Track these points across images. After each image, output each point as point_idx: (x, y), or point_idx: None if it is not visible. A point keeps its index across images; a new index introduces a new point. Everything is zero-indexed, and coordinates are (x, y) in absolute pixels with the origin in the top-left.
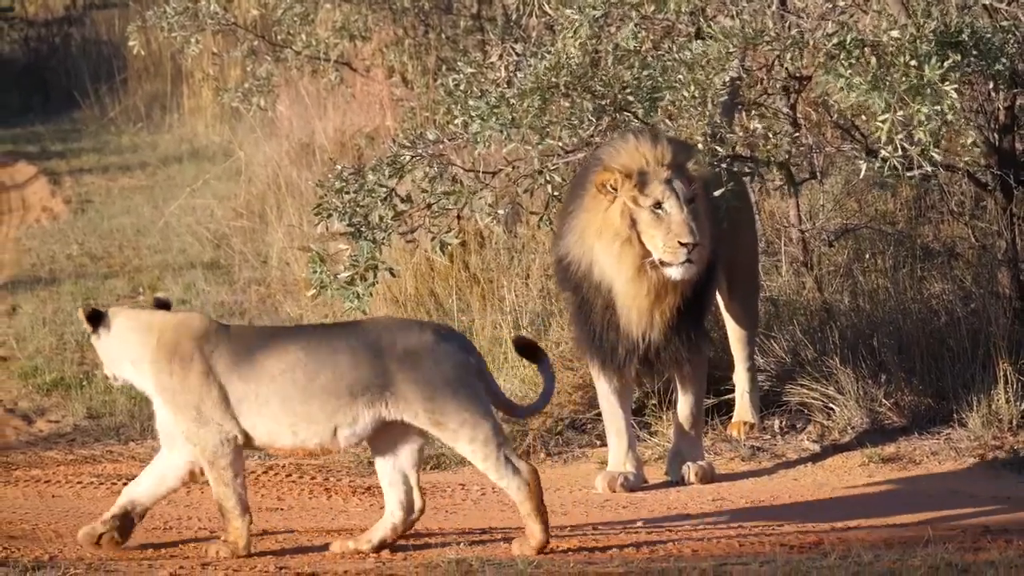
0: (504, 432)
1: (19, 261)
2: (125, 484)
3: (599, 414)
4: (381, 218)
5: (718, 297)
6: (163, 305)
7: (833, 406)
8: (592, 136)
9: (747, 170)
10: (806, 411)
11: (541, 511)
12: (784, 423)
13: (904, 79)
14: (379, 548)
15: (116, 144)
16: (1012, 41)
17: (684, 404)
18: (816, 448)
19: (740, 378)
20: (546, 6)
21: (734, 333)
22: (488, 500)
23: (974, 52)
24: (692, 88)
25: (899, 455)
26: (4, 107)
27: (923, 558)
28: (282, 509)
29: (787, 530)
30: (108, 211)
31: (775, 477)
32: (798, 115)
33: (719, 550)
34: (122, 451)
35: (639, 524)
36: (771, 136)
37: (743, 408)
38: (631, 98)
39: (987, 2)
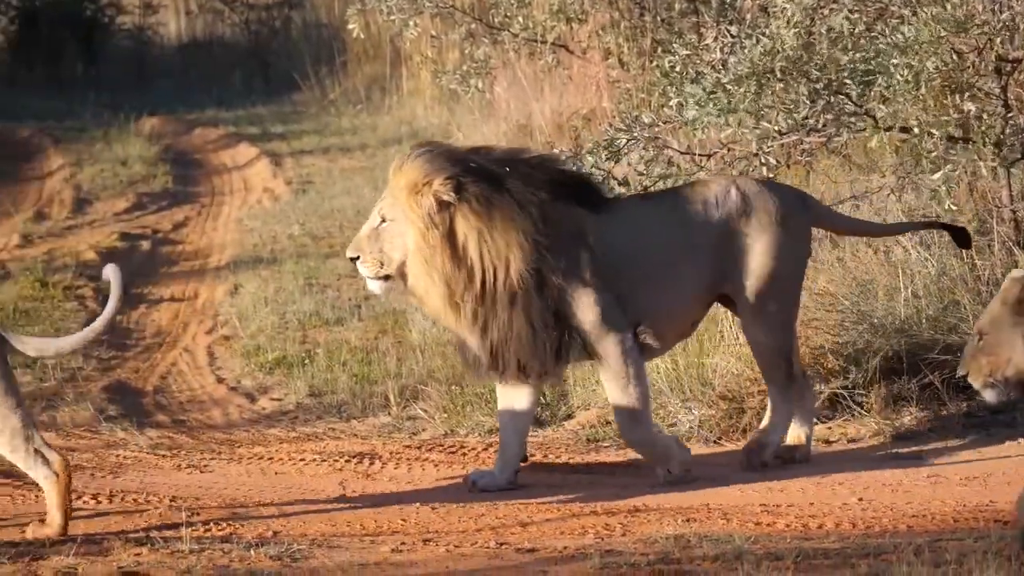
0: (33, 422)
1: (241, 241)
2: (347, 461)
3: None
4: None
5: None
6: None
7: None
8: (807, 119)
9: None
10: None
11: (65, 503)
12: None
13: None
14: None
15: (336, 126)
16: None
17: None
18: None
19: (769, 403)
20: None
21: (756, 358)
22: (702, 479)
23: None
24: (905, 72)
25: None
26: (227, 90)
27: None
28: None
29: (1002, 506)
30: (328, 192)
31: (991, 454)
32: (1010, 96)
33: (933, 526)
34: (344, 429)
35: (854, 501)
36: (985, 117)
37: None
38: (847, 81)
39: None
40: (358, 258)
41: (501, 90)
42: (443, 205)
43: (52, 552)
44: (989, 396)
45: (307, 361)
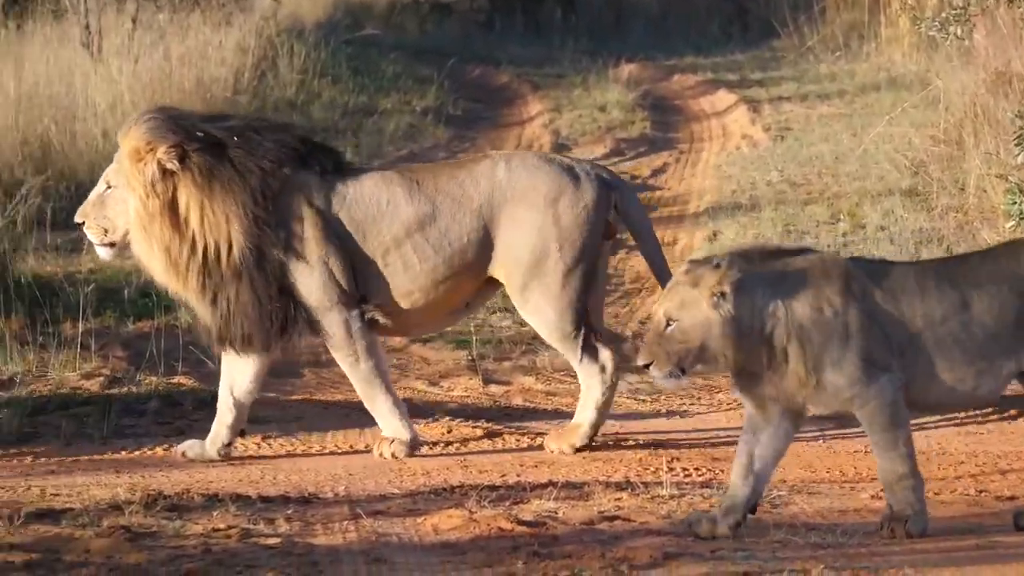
0: None
1: (720, 188)
2: None
3: None
4: None
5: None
6: None
7: None
8: None
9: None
10: None
11: None
12: None
13: None
14: None
15: (814, 73)
16: None
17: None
18: None
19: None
20: None
21: (544, 337)
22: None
23: None
24: None
25: None
26: (705, 37)
27: None
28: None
29: None
30: (807, 139)
31: None
32: None
33: None
34: None
35: None
36: None
37: (576, 420)
38: None
39: None
40: (84, 223)
41: (980, 37)
42: (166, 173)
43: (533, 496)
44: (671, 384)
45: None
